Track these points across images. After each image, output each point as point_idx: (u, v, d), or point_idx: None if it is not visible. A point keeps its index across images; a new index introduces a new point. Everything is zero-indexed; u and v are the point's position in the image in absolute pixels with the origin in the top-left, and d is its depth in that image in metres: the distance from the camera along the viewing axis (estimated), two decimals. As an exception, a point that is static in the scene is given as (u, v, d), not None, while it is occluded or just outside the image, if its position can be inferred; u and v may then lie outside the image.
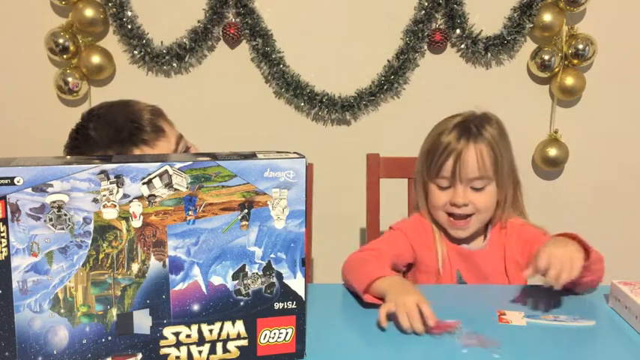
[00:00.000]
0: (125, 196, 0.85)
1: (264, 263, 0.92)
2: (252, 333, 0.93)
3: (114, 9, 2.08)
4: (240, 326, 0.92)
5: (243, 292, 0.92)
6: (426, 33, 2.12)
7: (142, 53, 2.11)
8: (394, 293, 1.11)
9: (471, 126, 1.35)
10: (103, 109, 1.26)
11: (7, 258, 0.83)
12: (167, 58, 2.11)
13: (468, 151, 1.32)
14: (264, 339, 0.94)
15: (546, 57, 2.11)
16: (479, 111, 1.42)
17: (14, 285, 0.83)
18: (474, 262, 1.39)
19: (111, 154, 1.20)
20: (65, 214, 0.83)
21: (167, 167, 0.86)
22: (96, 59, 2.09)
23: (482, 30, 2.12)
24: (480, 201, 1.34)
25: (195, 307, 0.90)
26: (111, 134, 1.20)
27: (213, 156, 0.90)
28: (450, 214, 1.36)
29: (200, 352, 0.92)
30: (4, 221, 0.82)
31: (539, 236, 1.35)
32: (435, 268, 1.38)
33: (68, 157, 0.89)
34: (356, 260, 1.29)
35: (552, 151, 2.17)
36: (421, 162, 1.40)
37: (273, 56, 2.12)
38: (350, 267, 1.28)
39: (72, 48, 2.08)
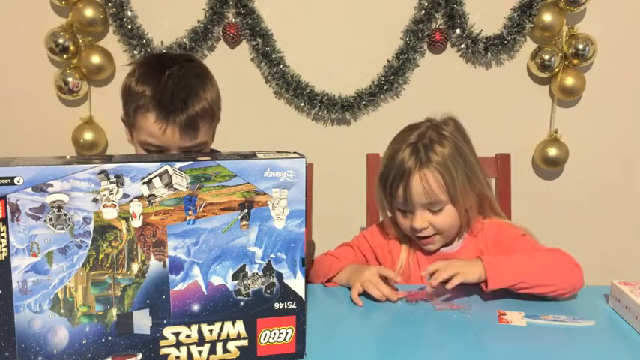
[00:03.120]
0: (125, 196, 0.85)
1: (264, 263, 0.92)
2: (252, 333, 0.93)
3: (114, 9, 2.08)
4: (240, 326, 0.92)
5: (243, 292, 0.92)
6: (426, 33, 2.12)
7: (142, 53, 2.11)
8: (354, 277, 1.26)
9: (420, 147, 1.31)
10: (185, 69, 1.25)
11: (7, 258, 0.83)
12: (167, 58, 2.11)
13: (413, 179, 1.29)
14: (264, 339, 0.94)
15: (546, 57, 2.11)
16: (437, 118, 1.39)
17: (14, 285, 0.83)
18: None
19: (149, 103, 1.20)
20: (65, 214, 0.83)
21: (167, 167, 0.86)
22: (96, 59, 2.10)
23: (482, 30, 2.12)
24: (439, 222, 1.33)
25: (195, 307, 0.90)
26: (167, 94, 1.20)
27: (214, 156, 0.90)
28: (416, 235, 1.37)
29: (200, 352, 0.92)
30: (4, 221, 0.82)
31: (516, 238, 1.35)
32: (401, 272, 1.39)
33: (68, 156, 0.89)
34: (318, 263, 1.44)
35: (552, 151, 2.17)
36: (379, 186, 1.38)
37: (273, 56, 2.12)
38: (315, 270, 1.42)
39: (72, 48, 2.08)
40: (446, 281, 1.17)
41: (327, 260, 1.43)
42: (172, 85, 1.21)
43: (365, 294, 1.23)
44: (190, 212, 0.88)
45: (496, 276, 1.18)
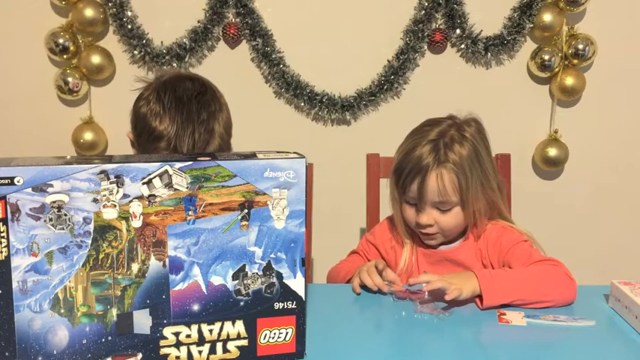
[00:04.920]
0: (125, 196, 0.85)
1: (264, 263, 0.92)
2: (252, 333, 0.93)
3: (114, 9, 2.08)
4: (240, 326, 0.93)
5: (243, 292, 0.92)
6: (426, 33, 2.12)
7: (142, 53, 2.11)
8: (358, 271, 1.30)
9: (440, 145, 1.30)
10: (201, 105, 1.26)
11: (7, 258, 0.83)
12: (167, 58, 2.11)
13: (430, 177, 1.29)
14: (264, 339, 0.94)
15: (546, 57, 2.11)
16: (461, 116, 1.39)
17: (14, 285, 0.83)
18: (441, 262, 1.39)
19: (162, 142, 1.21)
20: (65, 214, 0.83)
21: (167, 167, 0.86)
22: (96, 59, 2.10)
23: (482, 30, 2.12)
24: (444, 222, 1.33)
25: (195, 307, 0.90)
26: (188, 148, 1.22)
27: (213, 156, 0.90)
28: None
29: (200, 352, 0.92)
30: (4, 221, 0.82)
31: (516, 243, 1.34)
32: (404, 270, 1.40)
33: (68, 156, 0.89)
34: (334, 273, 1.48)
35: (552, 151, 2.17)
36: (392, 177, 1.38)
37: (273, 56, 2.12)
38: (330, 277, 1.48)
39: (72, 48, 2.08)
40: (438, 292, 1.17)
41: (343, 267, 1.45)
42: (192, 131, 1.23)
43: (364, 287, 1.26)
44: (190, 212, 0.88)
45: (492, 294, 1.17)
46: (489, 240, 1.37)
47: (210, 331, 0.92)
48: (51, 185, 0.82)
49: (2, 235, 0.82)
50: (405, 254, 1.41)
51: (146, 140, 1.24)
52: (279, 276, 0.93)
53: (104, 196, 0.84)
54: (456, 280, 1.18)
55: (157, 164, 0.85)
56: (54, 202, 0.83)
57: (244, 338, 0.93)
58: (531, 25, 2.11)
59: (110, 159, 0.87)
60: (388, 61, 2.14)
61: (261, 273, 0.92)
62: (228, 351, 0.93)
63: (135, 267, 0.87)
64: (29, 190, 0.82)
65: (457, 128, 1.35)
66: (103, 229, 0.85)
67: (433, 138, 1.32)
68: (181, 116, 1.24)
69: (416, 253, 1.42)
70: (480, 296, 1.18)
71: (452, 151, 1.30)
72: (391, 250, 1.44)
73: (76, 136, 2.14)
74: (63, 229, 0.84)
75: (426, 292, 1.18)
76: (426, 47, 2.16)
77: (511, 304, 1.18)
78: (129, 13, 2.09)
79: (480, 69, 2.19)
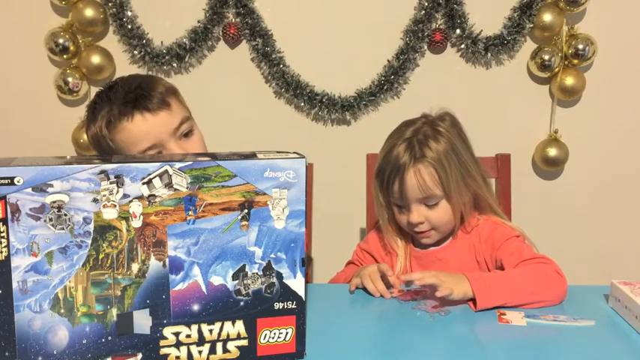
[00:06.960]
0: (125, 196, 0.85)
1: (264, 263, 0.92)
2: (252, 333, 0.93)
3: (114, 9, 2.08)
4: (240, 326, 0.93)
5: (243, 292, 0.92)
6: (426, 33, 2.12)
7: (142, 53, 2.11)
8: (358, 272, 1.31)
9: (414, 143, 1.32)
10: (133, 75, 1.32)
11: (7, 258, 0.83)
12: (167, 58, 2.11)
13: (408, 174, 1.30)
14: (264, 339, 0.94)
15: (546, 57, 2.11)
16: (433, 113, 1.40)
17: (14, 285, 0.83)
18: (432, 264, 1.40)
19: (115, 112, 1.23)
20: (65, 214, 0.83)
21: (167, 167, 0.86)
22: (96, 59, 2.10)
23: (482, 30, 2.12)
24: (434, 217, 1.34)
25: (195, 307, 0.90)
26: (121, 94, 1.24)
27: (213, 156, 0.90)
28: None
29: (200, 352, 0.92)
30: (4, 221, 0.82)
31: (508, 239, 1.34)
32: (399, 276, 1.39)
33: (68, 156, 0.89)
34: (335, 279, 1.49)
35: (552, 151, 2.17)
36: (375, 181, 1.39)
37: (273, 56, 2.12)
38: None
39: (72, 48, 2.08)
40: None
41: (340, 277, 1.46)
42: (124, 84, 1.26)
43: (364, 289, 1.26)
44: (190, 212, 0.88)
45: (484, 297, 1.17)
46: (482, 236, 1.38)
47: (210, 331, 0.92)
48: (51, 185, 0.82)
49: (2, 235, 0.82)
50: (400, 259, 1.42)
51: (104, 137, 1.25)
52: (279, 276, 0.93)
53: (104, 196, 0.84)
54: (448, 279, 1.18)
55: (157, 164, 0.85)
56: (54, 202, 0.83)
57: (244, 338, 0.93)
58: (531, 25, 2.11)
59: (110, 159, 0.87)
60: (388, 61, 2.14)
61: (261, 273, 0.92)
62: (228, 351, 0.93)
63: (135, 267, 0.87)
64: (29, 190, 0.82)
65: (430, 124, 1.37)
66: (103, 229, 0.85)
67: (408, 137, 1.35)
68: (108, 90, 1.27)
69: (409, 258, 1.42)
70: (472, 299, 1.18)
71: (427, 147, 1.32)
72: (386, 257, 1.45)
73: (76, 136, 2.14)
74: (63, 229, 0.84)
75: (427, 290, 1.18)
76: (426, 47, 2.16)
77: (504, 306, 1.18)
78: (129, 13, 2.09)
79: (479, 69, 2.19)
